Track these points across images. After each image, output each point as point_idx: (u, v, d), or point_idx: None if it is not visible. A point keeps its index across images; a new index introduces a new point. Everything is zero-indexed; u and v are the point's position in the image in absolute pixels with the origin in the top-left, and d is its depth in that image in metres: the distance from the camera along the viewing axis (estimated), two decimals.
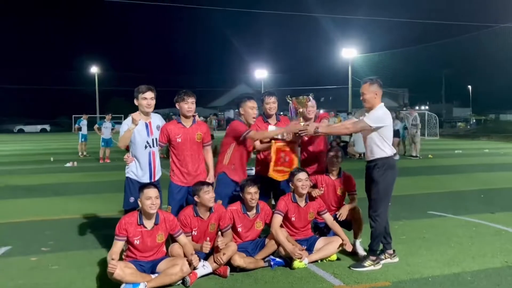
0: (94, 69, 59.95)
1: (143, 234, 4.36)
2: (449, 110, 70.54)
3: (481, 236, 6.08)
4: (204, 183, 4.73)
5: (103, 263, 4.90)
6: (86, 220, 7.17)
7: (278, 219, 4.97)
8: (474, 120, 62.09)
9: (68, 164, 15.22)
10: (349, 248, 5.07)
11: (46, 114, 63.30)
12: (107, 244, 5.66)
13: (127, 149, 4.96)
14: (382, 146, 4.80)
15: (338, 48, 44.48)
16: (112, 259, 4.08)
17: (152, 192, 4.35)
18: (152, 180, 4.86)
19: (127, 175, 4.90)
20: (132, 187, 4.86)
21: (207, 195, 4.66)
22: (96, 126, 18.30)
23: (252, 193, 4.92)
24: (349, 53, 41.16)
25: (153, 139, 4.87)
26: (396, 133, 17.28)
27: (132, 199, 4.83)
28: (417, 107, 63.47)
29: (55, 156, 18.43)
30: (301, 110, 5.23)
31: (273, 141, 5.30)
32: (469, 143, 28.97)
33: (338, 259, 5.06)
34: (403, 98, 68.22)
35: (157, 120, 4.99)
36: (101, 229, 6.50)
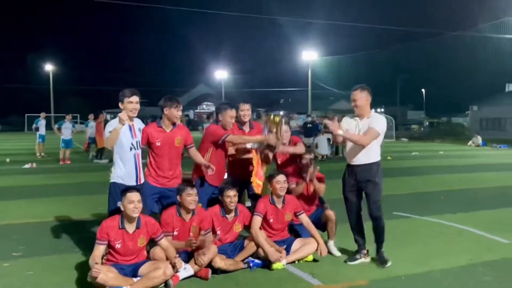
0: (49, 67, 58.08)
1: (125, 238, 4.35)
2: (404, 113, 72.78)
3: (445, 236, 6.39)
4: (189, 184, 4.78)
5: (80, 267, 4.86)
6: (54, 223, 7.01)
7: (257, 220, 5.06)
8: (427, 123, 64.38)
9: (27, 166, 14.74)
10: (324, 254, 5.21)
11: None
12: (80, 247, 5.63)
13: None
14: (377, 151, 5.05)
15: (298, 50, 45.11)
16: (96, 263, 4.05)
17: (134, 196, 4.35)
18: (138, 183, 4.82)
19: (112, 180, 4.81)
20: (119, 191, 4.68)
21: (189, 197, 4.71)
22: (56, 126, 17.79)
23: (231, 196, 5.00)
24: (309, 56, 41.80)
25: (137, 142, 4.87)
26: None
27: (119, 203, 4.68)
28: (373, 110, 65.05)
29: (11, 157, 17.79)
30: (274, 130, 5.33)
31: (253, 152, 5.44)
32: (424, 145, 30.06)
33: (314, 260, 5.20)
34: None
35: (138, 123, 4.99)
36: (71, 233, 6.39)
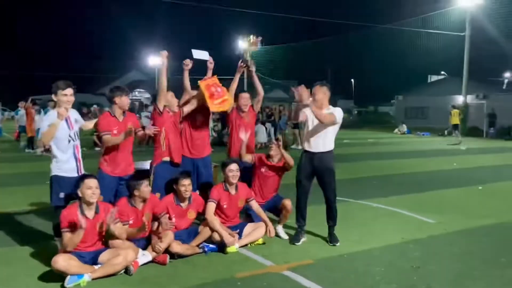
0: None
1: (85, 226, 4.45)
2: (334, 102, 74.75)
3: (380, 217, 7.01)
4: (143, 177, 4.95)
5: (38, 258, 4.88)
6: (6, 215, 6.86)
7: (212, 207, 5.34)
8: (356, 112, 67.09)
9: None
10: (272, 234, 5.64)
11: None
12: (33, 239, 5.59)
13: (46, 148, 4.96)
14: (333, 140, 5.51)
15: (234, 39, 45.26)
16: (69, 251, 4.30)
17: (92, 182, 4.50)
18: (79, 174, 4.91)
19: (53, 173, 4.84)
20: (62, 183, 4.82)
21: (146, 188, 4.91)
22: None
23: (186, 185, 5.24)
24: (245, 44, 42.08)
25: (74, 133, 4.92)
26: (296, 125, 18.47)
27: (62, 195, 4.82)
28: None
29: None
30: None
31: (198, 81, 5.84)
32: (354, 133, 31.44)
33: (264, 243, 5.56)
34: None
35: (74, 114, 5.03)
36: (16, 225, 6.33)
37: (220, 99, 5.84)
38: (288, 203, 5.85)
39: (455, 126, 22.39)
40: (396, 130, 31.82)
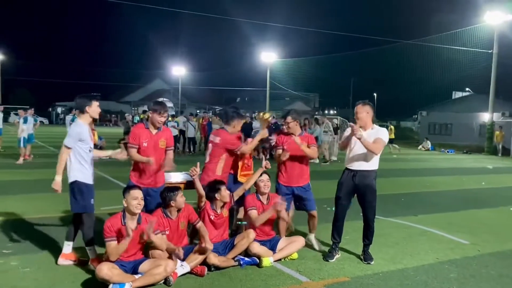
0: None
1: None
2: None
3: (412, 236, 6.96)
4: (178, 188, 5.08)
5: (77, 264, 4.99)
6: (33, 220, 7.02)
7: (254, 213, 5.52)
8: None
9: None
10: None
11: None
12: (76, 245, 5.67)
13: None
14: (377, 160, 5.53)
15: (257, 51, 45.61)
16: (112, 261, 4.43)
17: (138, 193, 4.63)
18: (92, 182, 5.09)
19: (75, 179, 4.94)
20: (90, 190, 4.99)
21: (182, 198, 5.02)
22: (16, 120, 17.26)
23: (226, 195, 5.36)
24: (268, 57, 42.41)
25: (94, 144, 5.23)
26: (316, 139, 18.46)
27: (92, 201, 5.00)
28: (326, 112, 66.85)
29: None
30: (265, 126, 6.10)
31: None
32: None
33: (297, 258, 5.58)
34: (314, 102, 71.40)
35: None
36: (53, 231, 6.46)
37: (245, 172, 6.08)
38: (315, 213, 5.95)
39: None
40: (420, 146, 31.51)
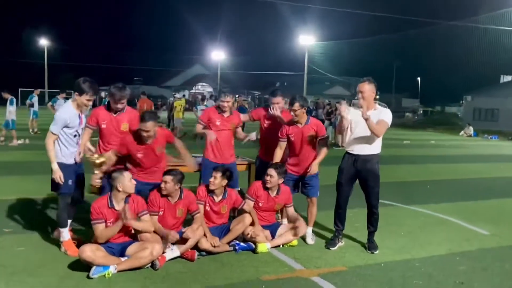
0: (44, 42, 57.47)
1: (115, 216, 4.47)
2: (398, 101, 72.88)
3: (428, 225, 6.57)
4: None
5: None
6: (44, 200, 7.09)
7: (249, 204, 5.30)
8: (421, 111, 64.58)
9: (19, 142, 14.74)
10: (299, 234, 5.39)
11: None
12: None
13: None
14: (380, 143, 5.20)
15: (295, 34, 44.93)
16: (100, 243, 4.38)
17: (130, 174, 4.63)
18: (78, 162, 4.98)
19: (59, 160, 4.81)
20: (68, 170, 4.83)
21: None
22: (49, 104, 17.75)
23: (213, 176, 5.14)
24: (306, 40, 41.69)
25: (81, 129, 4.98)
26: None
27: (70, 182, 4.85)
28: (377, 96, 65.15)
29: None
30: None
31: None
32: (416, 134, 30.28)
33: (297, 245, 5.36)
34: (355, 87, 69.93)
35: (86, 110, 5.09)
36: (51, 211, 6.48)
37: None
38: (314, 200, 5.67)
39: None
40: (462, 132, 30.25)
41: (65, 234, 4.88)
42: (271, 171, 5.32)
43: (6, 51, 63.47)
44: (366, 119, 4.93)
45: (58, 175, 4.73)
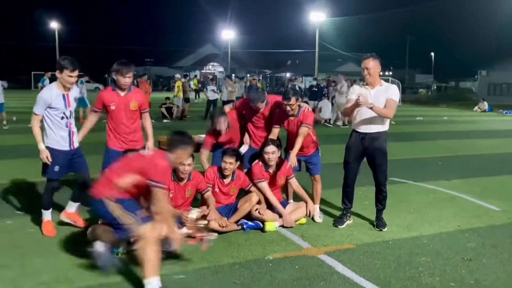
0: (54, 25, 57.58)
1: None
2: (412, 76, 71.98)
3: (438, 202, 6.52)
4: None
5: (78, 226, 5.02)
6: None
7: (264, 185, 5.31)
8: (435, 87, 63.70)
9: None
10: (312, 213, 5.46)
11: (3, 70, 60.74)
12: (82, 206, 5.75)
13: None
14: (388, 120, 5.14)
15: (306, 11, 44.24)
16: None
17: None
18: (71, 148, 4.88)
19: (47, 145, 4.79)
20: (55, 155, 4.77)
21: (189, 167, 4.85)
22: (39, 84, 17.83)
23: (227, 162, 5.13)
24: (317, 16, 41.07)
25: (70, 111, 4.83)
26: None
27: (57, 168, 4.80)
28: (381, 72, 64.48)
29: (17, 115, 17.93)
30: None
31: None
32: (429, 110, 29.94)
33: (305, 223, 5.37)
34: None
35: (74, 92, 4.91)
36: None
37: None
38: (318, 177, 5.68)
39: None
40: (476, 108, 29.80)
41: (46, 216, 4.92)
42: (272, 148, 5.30)
43: (18, 34, 63.72)
44: (371, 108, 4.88)
45: (45, 155, 4.69)
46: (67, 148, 4.82)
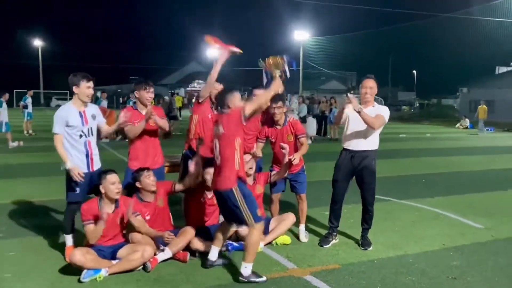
0: (38, 43, 57.32)
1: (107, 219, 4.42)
2: (395, 94, 72.90)
3: (422, 220, 6.55)
4: (143, 168, 4.88)
5: (61, 249, 4.91)
6: (37, 204, 7.07)
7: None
8: (417, 104, 64.48)
9: (14, 144, 14.67)
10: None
11: None
12: (62, 228, 5.65)
13: None
14: (377, 139, 5.19)
15: (290, 30, 44.75)
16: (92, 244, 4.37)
17: (114, 177, 4.48)
18: (90, 170, 4.74)
19: (66, 167, 4.65)
20: (71, 178, 4.63)
21: (148, 180, 4.80)
22: (21, 103, 17.73)
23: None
24: (301, 35, 41.58)
25: (88, 129, 4.73)
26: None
27: (78, 190, 4.67)
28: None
29: None
30: (277, 73, 4.90)
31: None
32: (412, 127, 30.30)
33: (290, 243, 5.33)
34: (351, 81, 69.94)
35: (92, 109, 4.85)
36: (55, 214, 6.46)
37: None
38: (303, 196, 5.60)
39: None
40: (458, 125, 30.24)
41: (68, 240, 4.81)
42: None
43: (1, 52, 63.14)
44: (359, 112, 4.90)
45: (76, 172, 4.52)
46: (85, 170, 4.68)
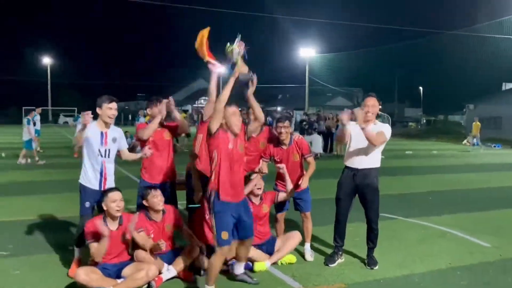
0: (46, 60, 58.08)
1: (110, 236, 4.44)
2: (401, 110, 72.90)
3: (429, 238, 6.49)
4: (151, 187, 4.91)
5: (67, 266, 4.92)
6: (47, 221, 7.09)
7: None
8: (424, 121, 64.37)
9: (22, 161, 14.78)
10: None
11: None
12: (69, 245, 5.66)
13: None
14: (379, 157, 5.20)
15: (296, 47, 45.12)
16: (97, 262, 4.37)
17: (116, 195, 4.49)
18: (102, 188, 4.79)
19: (80, 181, 4.84)
20: (87, 192, 4.79)
21: (155, 199, 4.80)
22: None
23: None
24: (307, 52, 41.88)
25: (105, 150, 4.81)
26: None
27: (87, 204, 4.78)
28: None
29: (6, 151, 17.83)
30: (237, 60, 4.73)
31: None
32: (419, 144, 30.18)
33: (295, 262, 5.30)
34: (357, 97, 70.11)
35: (115, 132, 4.94)
36: (63, 231, 6.49)
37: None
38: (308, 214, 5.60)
39: None
40: (465, 141, 30.06)
41: (76, 252, 4.92)
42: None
43: (10, 69, 63.97)
44: (363, 128, 4.92)
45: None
46: (96, 187, 4.77)
